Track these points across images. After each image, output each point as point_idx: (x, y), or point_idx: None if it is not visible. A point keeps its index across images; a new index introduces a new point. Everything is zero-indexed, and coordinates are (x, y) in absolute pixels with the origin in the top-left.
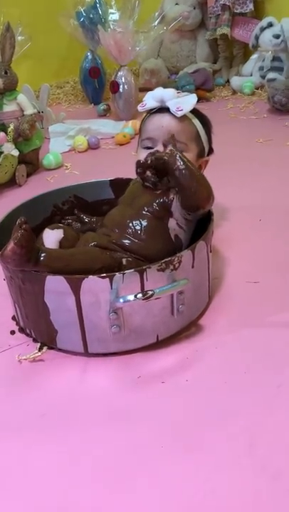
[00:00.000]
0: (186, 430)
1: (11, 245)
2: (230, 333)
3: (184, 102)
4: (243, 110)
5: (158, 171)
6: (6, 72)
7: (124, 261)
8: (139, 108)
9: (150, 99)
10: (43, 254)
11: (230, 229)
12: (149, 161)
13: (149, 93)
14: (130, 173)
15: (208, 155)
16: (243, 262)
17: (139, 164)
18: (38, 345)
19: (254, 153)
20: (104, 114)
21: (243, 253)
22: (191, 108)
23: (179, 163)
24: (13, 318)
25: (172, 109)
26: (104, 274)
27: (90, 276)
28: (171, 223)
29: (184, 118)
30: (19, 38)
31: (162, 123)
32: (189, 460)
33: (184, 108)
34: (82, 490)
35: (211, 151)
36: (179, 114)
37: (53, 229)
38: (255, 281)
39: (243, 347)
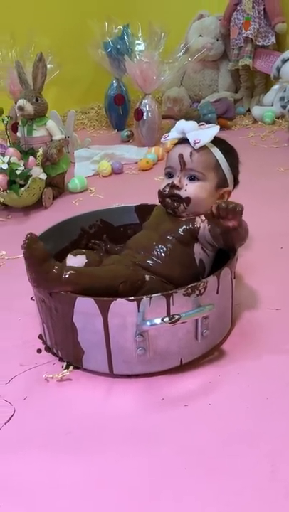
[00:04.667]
0: (208, 453)
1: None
2: (252, 359)
3: (203, 134)
4: (264, 139)
5: (176, 200)
6: (36, 100)
7: (147, 277)
8: (162, 139)
9: (173, 131)
10: (69, 272)
11: (251, 256)
12: (166, 192)
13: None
14: (153, 198)
15: (234, 186)
16: (265, 288)
17: (159, 194)
18: (64, 364)
19: (275, 181)
20: (128, 140)
21: (264, 280)
22: (210, 139)
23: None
24: (40, 336)
25: (191, 140)
26: (132, 298)
27: (119, 299)
28: (197, 248)
29: (202, 148)
30: (48, 66)
31: (181, 153)
32: (212, 483)
33: (201, 139)
34: (106, 510)
35: (236, 182)
36: (197, 146)
37: (75, 255)
38: (276, 308)
39: (265, 373)
